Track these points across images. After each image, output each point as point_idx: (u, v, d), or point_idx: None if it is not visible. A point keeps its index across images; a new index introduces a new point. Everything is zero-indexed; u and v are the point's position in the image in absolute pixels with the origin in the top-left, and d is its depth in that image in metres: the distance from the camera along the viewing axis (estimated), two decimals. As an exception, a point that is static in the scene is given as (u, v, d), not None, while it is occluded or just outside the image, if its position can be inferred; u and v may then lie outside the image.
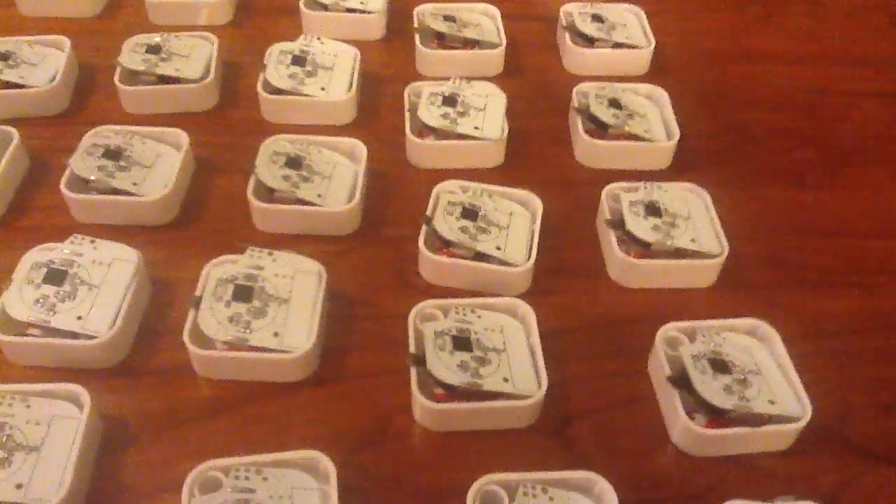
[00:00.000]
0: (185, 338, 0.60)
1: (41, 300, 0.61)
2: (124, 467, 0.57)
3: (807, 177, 0.81)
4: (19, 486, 0.52)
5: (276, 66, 0.82)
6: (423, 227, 0.68)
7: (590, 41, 0.89)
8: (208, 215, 0.74)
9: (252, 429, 0.59)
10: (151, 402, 0.60)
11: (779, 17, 1.04)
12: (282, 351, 0.59)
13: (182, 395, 0.61)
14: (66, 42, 0.85)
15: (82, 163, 0.71)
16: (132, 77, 0.82)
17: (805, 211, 0.78)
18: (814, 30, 1.02)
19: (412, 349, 0.60)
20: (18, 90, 0.80)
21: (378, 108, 0.85)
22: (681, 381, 0.58)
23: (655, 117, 0.81)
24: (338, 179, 0.73)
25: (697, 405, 0.58)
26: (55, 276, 0.62)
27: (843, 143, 0.85)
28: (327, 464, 0.53)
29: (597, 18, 0.91)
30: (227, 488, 0.51)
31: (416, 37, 0.88)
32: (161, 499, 0.55)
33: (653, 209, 0.70)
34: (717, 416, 0.57)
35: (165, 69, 0.81)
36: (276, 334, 0.60)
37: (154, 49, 0.83)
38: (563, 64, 0.91)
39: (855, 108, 0.89)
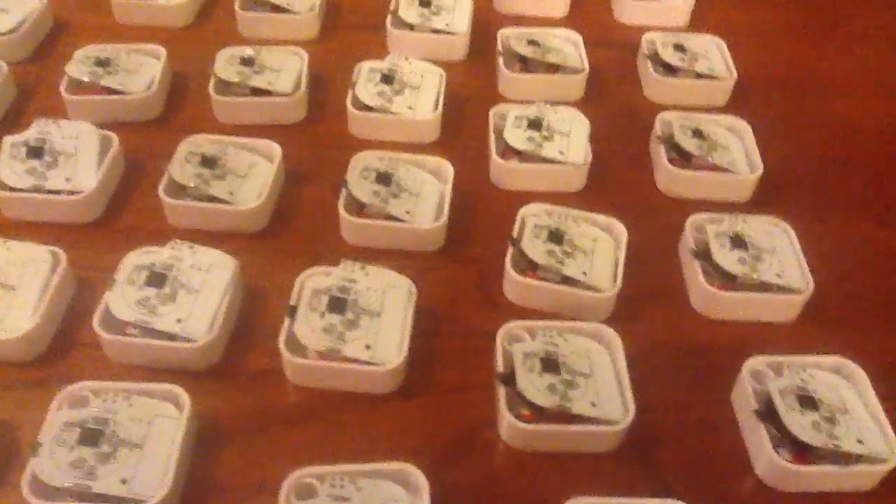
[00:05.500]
0: (281, 345, 0.61)
1: (143, 301, 0.63)
2: (217, 467, 0.58)
3: (891, 212, 0.81)
4: (124, 482, 0.54)
5: (364, 83, 0.84)
6: (510, 249, 0.69)
7: (671, 70, 0.90)
8: (297, 226, 0.76)
9: (340, 437, 0.61)
10: (243, 406, 0.62)
11: (859, 48, 1.03)
12: (374, 364, 0.61)
13: (273, 401, 0.63)
14: (162, 51, 0.88)
15: (180, 170, 0.73)
16: (224, 87, 0.84)
17: (889, 247, 0.77)
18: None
19: (500, 368, 0.61)
20: (119, 96, 0.82)
21: (459, 128, 0.86)
22: (768, 414, 0.59)
23: (738, 149, 0.81)
24: (425, 197, 0.74)
25: (782, 440, 0.58)
26: (157, 279, 0.64)
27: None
28: (419, 477, 0.54)
29: (679, 48, 0.91)
30: (324, 496, 0.53)
31: (500, 59, 0.90)
32: (254, 500, 0.56)
33: (738, 241, 0.70)
34: (803, 453, 0.57)
35: (258, 82, 0.83)
36: (368, 347, 0.62)
37: (247, 61, 0.85)
38: (643, 91, 0.92)
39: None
